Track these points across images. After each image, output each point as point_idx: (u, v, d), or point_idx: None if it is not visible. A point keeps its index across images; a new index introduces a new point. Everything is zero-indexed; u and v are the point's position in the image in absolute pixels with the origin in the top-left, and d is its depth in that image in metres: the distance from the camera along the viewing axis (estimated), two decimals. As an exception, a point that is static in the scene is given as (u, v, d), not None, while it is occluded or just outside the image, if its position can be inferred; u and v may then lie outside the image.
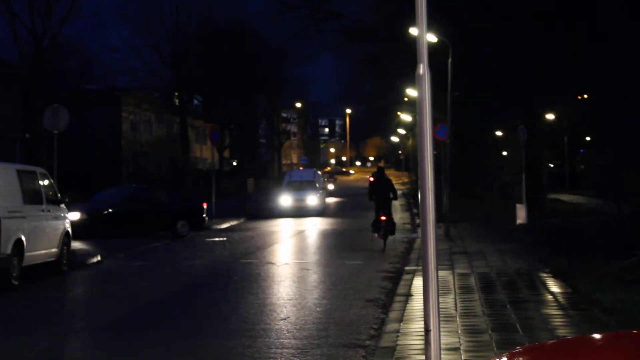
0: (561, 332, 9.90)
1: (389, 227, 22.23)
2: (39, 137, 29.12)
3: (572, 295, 12.67)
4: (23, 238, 15.75)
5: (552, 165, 65.22)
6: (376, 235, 22.33)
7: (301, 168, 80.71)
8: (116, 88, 53.27)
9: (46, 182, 17.78)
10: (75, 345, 10.59)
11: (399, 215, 36.60)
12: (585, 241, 19.63)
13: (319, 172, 48.94)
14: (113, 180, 43.90)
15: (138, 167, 54.93)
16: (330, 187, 62.01)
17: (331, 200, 55.20)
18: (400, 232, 27.81)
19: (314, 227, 32.23)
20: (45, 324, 11.70)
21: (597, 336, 4.60)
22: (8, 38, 31.85)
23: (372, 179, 27.64)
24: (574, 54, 25.81)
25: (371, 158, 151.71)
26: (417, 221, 36.80)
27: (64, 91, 41.89)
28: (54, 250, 17.52)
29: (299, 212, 39.44)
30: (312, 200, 40.90)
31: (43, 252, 16.93)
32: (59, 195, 18.39)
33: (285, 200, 41.00)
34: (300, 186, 41.87)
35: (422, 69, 7.01)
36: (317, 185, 42.83)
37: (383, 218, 22.15)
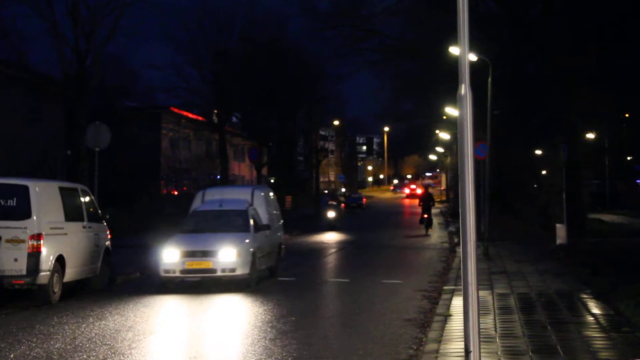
0: (603, 354, 9.76)
1: (429, 222, 38.29)
2: (80, 154, 29.48)
3: (615, 317, 12.49)
4: (64, 254, 15.95)
5: (593, 183, 64.51)
6: (422, 225, 38.12)
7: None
8: (156, 105, 53.79)
9: (87, 198, 17.98)
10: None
11: (436, 234, 37.33)
12: (628, 262, 19.39)
13: (265, 194, 22.04)
14: (153, 196, 44.26)
15: (177, 183, 55.35)
16: (331, 215, 44.99)
17: (331, 237, 37.37)
18: (439, 251, 28.31)
19: None
20: (82, 345, 11.77)
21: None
22: (52, 56, 32.34)
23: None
24: (615, 73, 25.56)
25: (409, 176, 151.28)
26: (452, 227, 37.80)
27: (105, 108, 42.45)
28: (95, 266, 17.70)
29: (198, 282, 18.32)
30: (228, 254, 17.72)
31: (84, 268, 17.12)
32: (99, 211, 18.58)
33: (169, 255, 17.91)
34: (213, 222, 19.34)
35: (464, 89, 7.00)
36: (253, 220, 19.44)
37: (425, 216, 37.87)
